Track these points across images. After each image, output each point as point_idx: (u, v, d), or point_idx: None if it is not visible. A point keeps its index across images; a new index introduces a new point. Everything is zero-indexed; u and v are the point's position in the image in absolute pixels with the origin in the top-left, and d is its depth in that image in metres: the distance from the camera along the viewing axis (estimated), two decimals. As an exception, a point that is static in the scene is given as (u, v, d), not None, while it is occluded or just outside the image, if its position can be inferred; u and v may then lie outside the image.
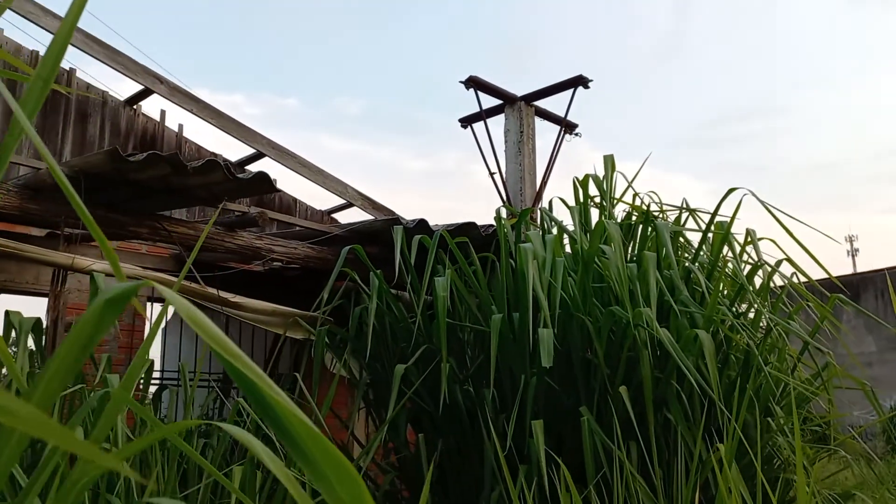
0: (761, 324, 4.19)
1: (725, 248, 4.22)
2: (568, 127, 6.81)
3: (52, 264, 3.90)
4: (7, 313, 3.66)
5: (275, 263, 5.47)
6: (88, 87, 6.40)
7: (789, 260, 4.14)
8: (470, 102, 6.81)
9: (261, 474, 3.52)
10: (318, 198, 8.07)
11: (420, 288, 4.16)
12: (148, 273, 4.21)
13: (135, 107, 6.64)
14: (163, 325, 7.71)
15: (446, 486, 4.30)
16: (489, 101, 6.84)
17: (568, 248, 4.64)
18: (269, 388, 0.68)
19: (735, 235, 4.22)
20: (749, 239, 4.17)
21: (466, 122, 6.88)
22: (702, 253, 4.40)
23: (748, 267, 4.27)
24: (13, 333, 3.59)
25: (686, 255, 4.58)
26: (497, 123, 6.85)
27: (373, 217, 6.75)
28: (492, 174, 6.59)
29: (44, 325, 4.05)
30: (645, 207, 4.59)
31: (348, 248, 4.51)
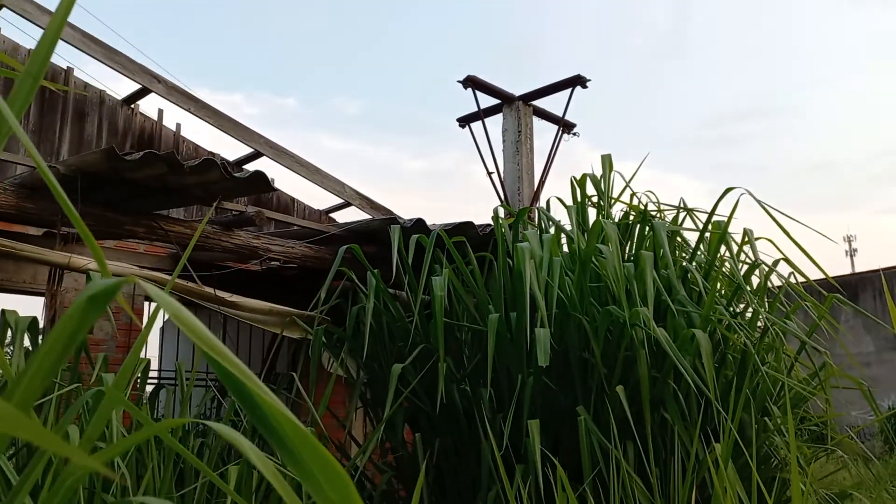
0: (759, 323, 4.19)
1: (723, 248, 4.21)
2: (566, 126, 6.81)
3: (49, 263, 3.90)
4: (3, 312, 3.65)
5: (272, 263, 5.46)
6: (86, 86, 6.39)
7: (786, 260, 4.14)
8: (469, 102, 6.82)
9: (257, 474, 3.51)
10: (316, 197, 8.05)
11: (417, 287, 4.15)
12: (144, 272, 4.20)
13: (132, 106, 6.64)
14: (161, 324, 7.70)
15: (443, 486, 4.30)
16: (487, 101, 6.85)
17: (566, 248, 4.64)
18: (255, 386, 0.67)
19: (732, 235, 4.22)
20: (746, 239, 4.17)
21: (464, 121, 6.88)
22: (699, 253, 4.39)
23: (745, 267, 4.27)
24: (9, 332, 3.59)
25: (684, 254, 4.58)
26: (495, 123, 6.85)
27: (370, 216, 6.75)
28: (490, 174, 6.59)
29: (41, 324, 4.05)
30: (642, 207, 4.59)
31: (345, 247, 4.51)
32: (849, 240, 34.89)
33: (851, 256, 34.75)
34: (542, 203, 6.26)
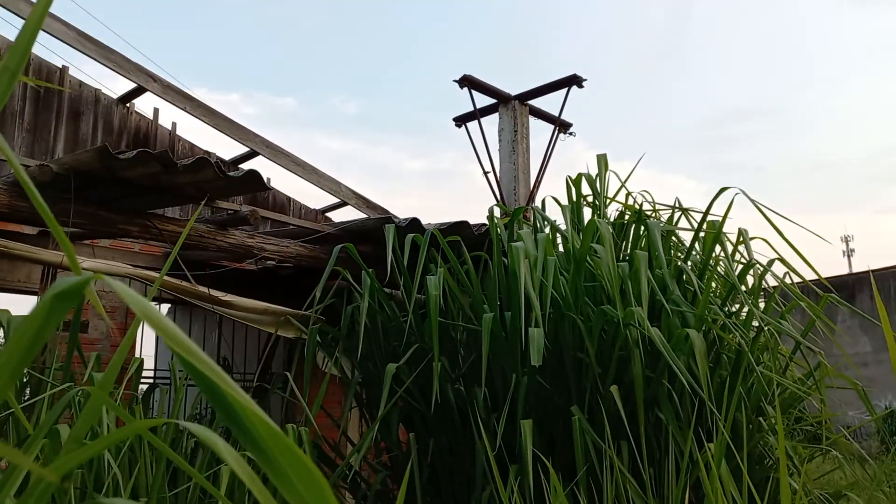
0: (754, 323, 4.18)
1: (718, 248, 4.21)
2: (562, 126, 6.80)
3: (42, 262, 3.88)
4: (-4, 311, 3.64)
5: (268, 262, 5.45)
6: (81, 84, 6.38)
7: (781, 259, 4.14)
8: (466, 101, 6.81)
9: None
10: (313, 196, 8.05)
11: (412, 287, 4.15)
12: (137, 271, 4.19)
13: (128, 105, 6.62)
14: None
15: (438, 486, 4.29)
16: (484, 101, 6.84)
17: (561, 248, 4.63)
18: (227, 386, 0.66)
19: (727, 235, 4.22)
20: (741, 239, 4.17)
21: (461, 121, 6.87)
22: (694, 252, 4.39)
23: (740, 266, 4.26)
24: (1, 332, 3.58)
25: (679, 254, 4.57)
26: (492, 122, 6.85)
27: (367, 216, 6.74)
28: (486, 173, 6.58)
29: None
30: (638, 207, 4.58)
31: (340, 246, 4.50)
32: (846, 240, 34.92)
33: (849, 257, 34.78)
34: (538, 202, 6.26)
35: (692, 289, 4.07)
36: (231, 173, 3.93)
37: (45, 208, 0.72)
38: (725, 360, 4.07)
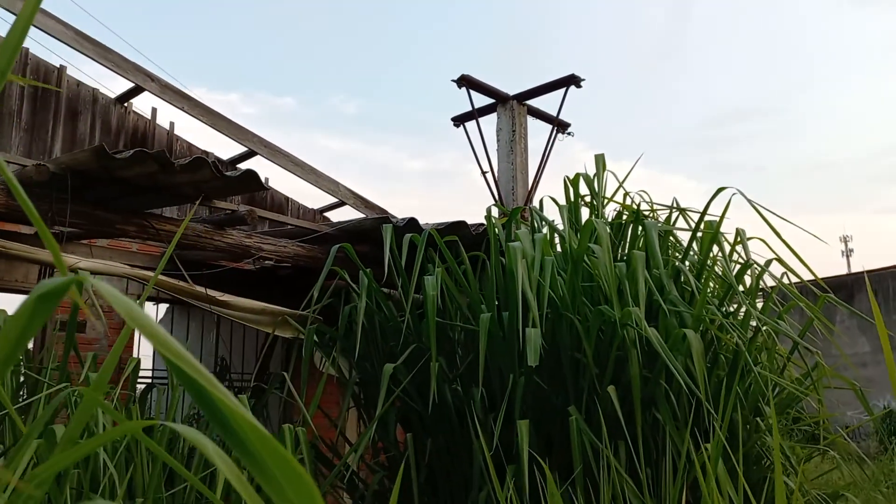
0: (752, 323, 4.18)
1: (715, 248, 4.21)
2: (560, 126, 6.80)
3: (39, 262, 3.88)
4: (-8, 311, 3.63)
5: (266, 262, 5.45)
6: (79, 84, 6.37)
7: (779, 259, 4.13)
8: (465, 101, 6.81)
9: (246, 473, 3.49)
10: (311, 196, 8.04)
11: (409, 286, 4.14)
12: (135, 271, 4.18)
13: (126, 104, 6.61)
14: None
15: (435, 486, 4.29)
16: (482, 100, 6.84)
17: (559, 248, 4.63)
18: (214, 388, 0.66)
19: (725, 235, 4.21)
20: (738, 239, 4.16)
21: (459, 120, 6.87)
22: (692, 252, 4.39)
23: (738, 266, 4.26)
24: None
25: (677, 254, 4.57)
26: (490, 122, 6.84)
27: (365, 216, 6.74)
28: (484, 173, 6.58)
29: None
30: (635, 207, 4.58)
31: (337, 246, 4.50)
32: (845, 240, 34.94)
33: (847, 257, 34.81)
34: (536, 203, 6.26)
35: (690, 289, 4.07)
36: (228, 173, 3.92)
37: (29, 206, 0.71)
38: (723, 361, 4.07)
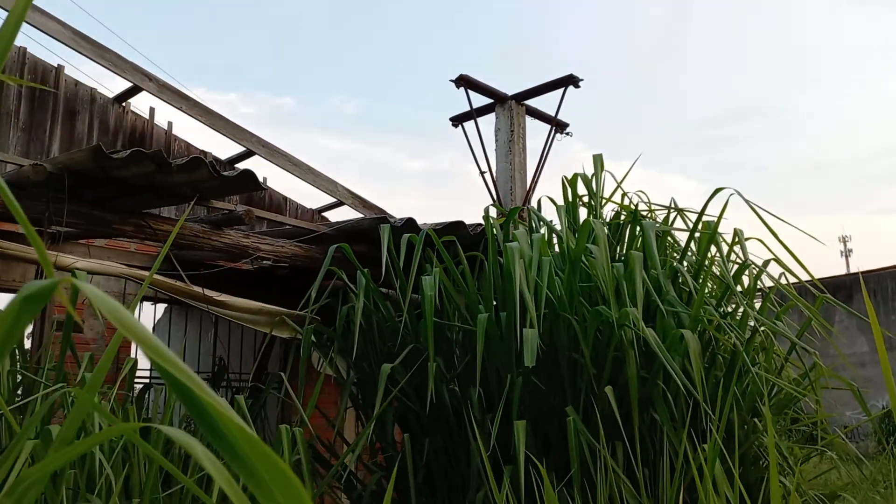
0: (750, 323, 4.18)
1: (713, 249, 4.20)
2: (559, 126, 6.79)
3: (36, 262, 3.87)
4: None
5: (264, 262, 5.44)
6: (77, 84, 6.36)
7: (777, 260, 4.13)
8: (465, 101, 6.80)
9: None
10: (310, 196, 8.04)
11: (407, 286, 4.14)
12: (132, 271, 4.18)
13: (124, 104, 6.61)
14: (153, 323, 7.67)
15: (433, 486, 4.28)
16: (481, 100, 6.83)
17: (557, 248, 4.62)
18: (201, 390, 0.65)
19: (723, 235, 4.21)
20: (736, 239, 4.16)
21: (457, 120, 6.86)
22: (689, 253, 4.38)
23: (735, 267, 4.26)
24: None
25: (675, 254, 4.56)
26: (488, 122, 6.84)
27: (363, 216, 6.73)
28: (482, 173, 6.58)
29: (30, 323, 4.00)
30: (633, 207, 4.57)
31: (335, 246, 4.49)
32: (844, 240, 34.97)
33: (846, 257, 34.83)
34: (535, 203, 6.25)
35: (687, 289, 4.06)
36: (225, 173, 3.92)
37: (14, 205, 0.71)
38: (721, 361, 4.07)
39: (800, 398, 4.30)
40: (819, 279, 4.08)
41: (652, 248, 3.88)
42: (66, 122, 6.21)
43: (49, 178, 3.67)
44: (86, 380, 3.10)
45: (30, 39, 6.38)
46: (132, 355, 5.20)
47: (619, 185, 4.87)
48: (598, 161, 4.86)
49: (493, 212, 4.74)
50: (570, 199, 4.74)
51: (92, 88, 6.45)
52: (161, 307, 7.47)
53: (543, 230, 4.67)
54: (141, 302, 6.35)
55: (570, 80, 6.52)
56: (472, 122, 6.70)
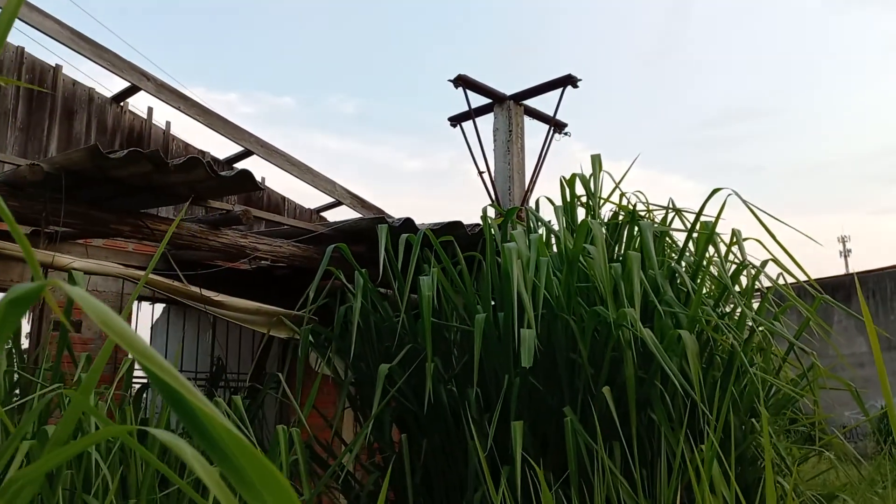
0: (748, 323, 4.18)
1: (711, 249, 4.20)
2: (557, 126, 6.79)
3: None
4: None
5: (262, 262, 5.44)
6: (75, 83, 6.35)
7: (775, 260, 4.13)
8: (463, 101, 6.79)
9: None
10: (308, 196, 8.03)
11: (404, 287, 4.13)
12: (129, 271, 4.17)
13: (122, 104, 6.60)
14: (151, 323, 7.67)
15: (430, 487, 4.28)
16: (479, 100, 6.83)
17: (555, 248, 4.62)
18: (190, 393, 0.65)
19: (721, 236, 4.21)
20: (734, 239, 4.16)
21: (456, 120, 6.86)
22: (687, 253, 4.38)
23: (734, 267, 4.26)
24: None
25: (673, 255, 4.56)
26: (486, 122, 6.84)
27: (361, 216, 6.73)
28: (481, 173, 6.57)
29: (25, 324, 4.01)
30: (631, 207, 4.57)
31: (332, 246, 4.49)
32: (843, 240, 34.98)
33: (845, 257, 34.85)
34: (533, 203, 6.25)
35: (685, 290, 4.06)
36: (223, 173, 3.91)
37: (2, 206, 0.70)
38: (718, 362, 4.06)
39: (798, 399, 4.30)
40: (818, 279, 4.09)
41: (650, 248, 3.88)
42: (63, 122, 6.20)
43: (46, 178, 3.67)
44: (82, 380, 3.09)
45: (28, 39, 6.37)
46: (130, 355, 5.20)
47: (617, 186, 4.86)
48: (596, 161, 4.85)
49: (491, 212, 4.74)
50: (569, 199, 4.73)
51: (90, 88, 6.44)
52: (160, 307, 7.47)
53: (541, 230, 4.67)
54: (140, 302, 6.34)
55: (569, 80, 6.52)
56: (471, 122, 6.70)
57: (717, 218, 4.10)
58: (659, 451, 3.55)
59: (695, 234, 4.29)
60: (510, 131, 6.49)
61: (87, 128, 6.30)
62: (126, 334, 0.61)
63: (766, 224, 3.88)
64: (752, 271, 4.21)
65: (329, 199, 7.48)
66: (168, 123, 6.87)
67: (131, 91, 6.39)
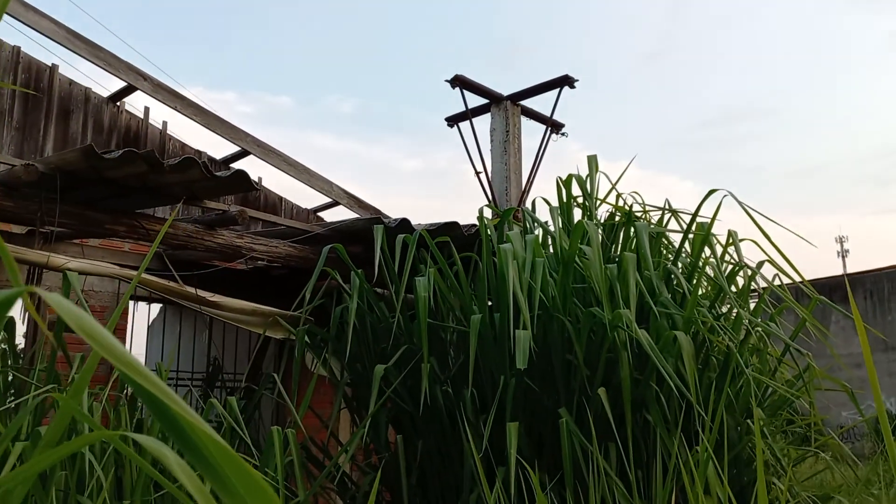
0: (744, 324, 4.17)
1: (707, 250, 4.20)
2: (554, 126, 6.79)
3: (27, 262, 3.86)
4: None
5: (258, 262, 5.43)
6: (71, 83, 6.34)
7: (771, 261, 4.13)
8: (461, 101, 6.79)
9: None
10: (305, 196, 8.03)
11: (401, 287, 4.13)
12: (124, 271, 4.16)
13: (118, 104, 6.59)
14: (148, 323, 7.66)
15: (426, 487, 4.28)
16: (476, 101, 6.83)
17: (551, 249, 4.61)
18: (171, 401, 0.65)
19: (717, 236, 4.21)
20: (730, 240, 4.16)
21: (453, 121, 6.85)
22: (683, 254, 4.38)
23: (729, 268, 4.26)
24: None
25: (669, 256, 4.56)
26: (484, 122, 6.84)
27: (358, 216, 6.72)
28: (477, 173, 6.57)
29: (20, 324, 3.99)
30: (628, 208, 4.57)
31: (329, 247, 4.48)
32: (840, 241, 35.02)
33: (843, 258, 34.88)
34: (529, 203, 6.25)
35: (681, 291, 4.06)
36: (219, 173, 3.91)
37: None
38: (714, 363, 4.06)
39: (794, 400, 4.30)
40: (815, 280, 4.09)
41: (645, 249, 3.88)
42: (60, 122, 6.19)
43: (41, 179, 3.66)
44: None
45: (24, 38, 6.35)
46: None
47: (613, 186, 4.86)
48: (592, 162, 4.85)
49: (487, 212, 4.74)
50: (565, 200, 4.73)
51: (86, 88, 6.43)
52: (156, 307, 7.45)
53: (538, 231, 4.66)
54: (136, 302, 6.33)
55: (566, 81, 6.51)
56: (468, 122, 6.70)
57: (713, 219, 4.10)
58: (654, 453, 3.55)
59: (691, 235, 4.28)
60: (507, 132, 6.48)
61: (83, 127, 6.29)
62: (104, 340, 0.60)
63: (760, 225, 3.88)
64: (748, 272, 4.20)
65: (326, 200, 7.47)
66: (165, 123, 6.86)
67: (128, 91, 6.38)
